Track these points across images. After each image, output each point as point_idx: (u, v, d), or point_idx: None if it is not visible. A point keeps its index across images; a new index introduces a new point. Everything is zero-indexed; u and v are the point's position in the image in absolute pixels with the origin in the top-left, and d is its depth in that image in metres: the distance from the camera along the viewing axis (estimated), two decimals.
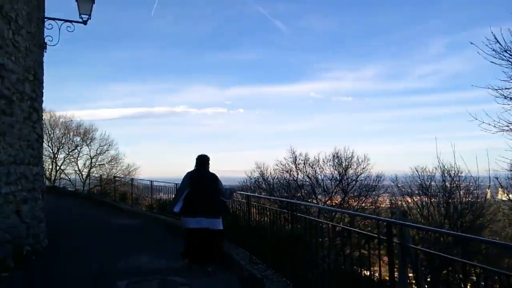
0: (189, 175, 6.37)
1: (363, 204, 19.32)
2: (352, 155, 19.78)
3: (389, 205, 19.92)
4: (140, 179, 14.30)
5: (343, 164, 19.47)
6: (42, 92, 8.22)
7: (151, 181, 12.37)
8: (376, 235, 3.69)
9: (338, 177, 19.36)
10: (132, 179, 14.65)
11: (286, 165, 20.66)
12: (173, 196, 7.79)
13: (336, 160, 19.67)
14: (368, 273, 4.15)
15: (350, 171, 19.39)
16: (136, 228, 10.44)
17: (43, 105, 8.47)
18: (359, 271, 4.49)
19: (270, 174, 21.10)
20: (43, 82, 8.25)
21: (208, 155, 6.58)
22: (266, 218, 6.09)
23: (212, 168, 6.64)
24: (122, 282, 5.45)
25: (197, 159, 6.52)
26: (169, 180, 11.56)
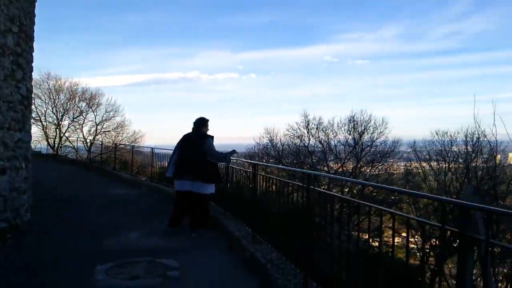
0: (180, 138, 6.30)
1: (376, 171, 18.37)
2: (369, 119, 18.61)
3: (403, 172, 18.96)
4: (141, 146, 13.48)
5: (359, 129, 18.33)
6: (32, 47, 7.21)
7: (152, 148, 11.52)
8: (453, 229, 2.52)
9: (352, 143, 18.30)
10: (132, 147, 13.84)
11: (298, 130, 19.63)
12: None
13: (351, 124, 18.52)
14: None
15: (366, 136, 18.29)
16: (133, 199, 9.69)
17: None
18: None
19: (280, 140, 20.15)
20: (33, 36, 7.23)
21: (206, 117, 6.29)
22: (273, 190, 5.17)
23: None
24: (103, 266, 4.65)
25: (193, 122, 6.31)
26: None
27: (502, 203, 13.76)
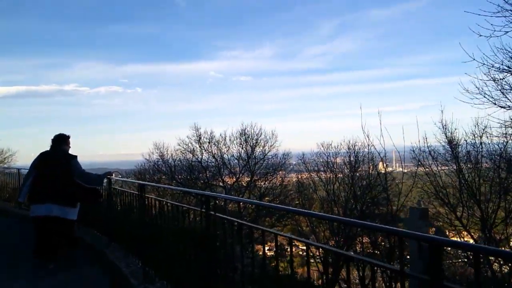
0: (37, 157, 5.58)
1: (270, 184, 18.58)
2: (260, 132, 18.63)
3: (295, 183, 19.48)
4: (6, 168, 11.50)
5: (251, 142, 18.31)
6: None
7: (18, 169, 9.82)
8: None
9: (245, 156, 18.21)
10: None
11: (189, 144, 18.87)
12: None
13: (243, 138, 18.38)
14: None
15: (258, 150, 18.34)
16: None
17: None
18: None
19: (171, 155, 19.19)
20: None
21: (67, 134, 5.73)
22: (167, 211, 4.47)
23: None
24: None
25: (52, 139, 5.66)
26: None
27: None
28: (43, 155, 5.58)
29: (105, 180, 5.76)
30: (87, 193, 5.55)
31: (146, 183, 4.86)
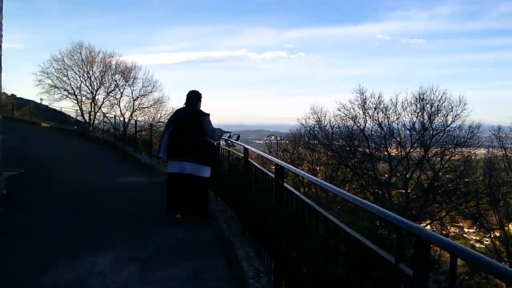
0: (173, 114, 5.81)
1: (448, 163, 15.16)
2: (443, 98, 14.93)
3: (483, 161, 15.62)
4: (161, 124, 11.39)
5: (428, 110, 14.92)
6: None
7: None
8: None
9: (420, 127, 15.02)
10: (151, 125, 11.77)
11: (352, 110, 16.57)
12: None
13: (420, 104, 15.11)
14: None
15: (438, 119, 14.89)
16: (138, 194, 7.46)
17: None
18: None
19: (329, 121, 17.28)
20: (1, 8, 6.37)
21: (200, 92, 5.60)
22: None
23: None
24: None
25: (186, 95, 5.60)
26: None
27: None
28: (178, 112, 5.67)
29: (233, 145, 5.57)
30: (213, 152, 5.48)
31: (286, 165, 2.96)
